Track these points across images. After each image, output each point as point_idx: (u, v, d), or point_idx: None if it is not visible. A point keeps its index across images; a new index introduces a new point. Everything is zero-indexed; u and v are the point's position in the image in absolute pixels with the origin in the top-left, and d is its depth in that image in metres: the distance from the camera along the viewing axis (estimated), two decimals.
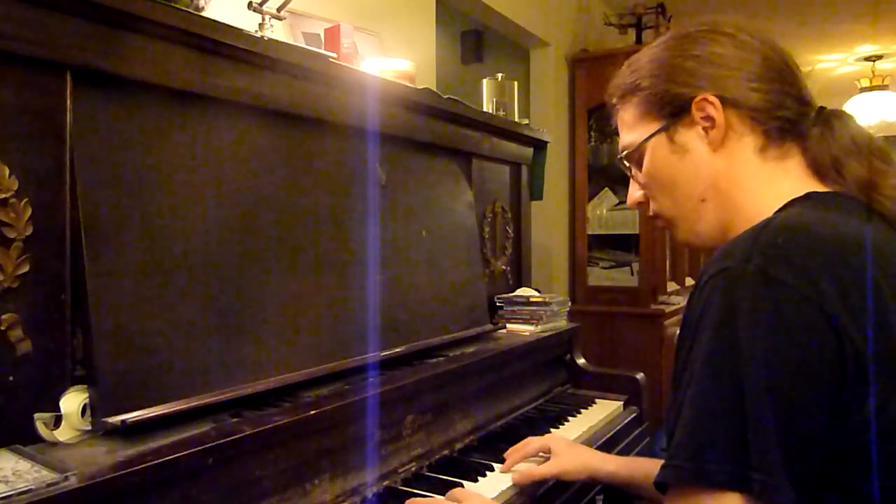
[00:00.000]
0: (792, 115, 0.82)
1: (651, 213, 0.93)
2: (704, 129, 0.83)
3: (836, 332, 0.62)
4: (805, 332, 0.62)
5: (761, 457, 0.62)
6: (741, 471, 0.62)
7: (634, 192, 0.95)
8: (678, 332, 0.73)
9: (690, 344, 0.69)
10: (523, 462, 1.25)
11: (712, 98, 0.82)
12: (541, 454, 1.26)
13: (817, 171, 0.82)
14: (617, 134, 0.97)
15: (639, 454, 1.75)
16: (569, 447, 1.25)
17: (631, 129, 0.91)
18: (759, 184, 0.82)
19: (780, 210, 0.77)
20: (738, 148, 0.83)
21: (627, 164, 0.93)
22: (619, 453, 1.62)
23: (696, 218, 0.87)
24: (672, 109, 0.86)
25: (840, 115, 0.84)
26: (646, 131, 0.88)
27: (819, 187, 0.80)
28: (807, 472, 0.64)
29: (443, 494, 1.12)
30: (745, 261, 0.66)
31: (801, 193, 0.78)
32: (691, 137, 0.85)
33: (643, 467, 1.15)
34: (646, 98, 0.88)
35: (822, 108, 0.85)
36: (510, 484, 1.19)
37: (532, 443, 1.27)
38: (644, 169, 0.90)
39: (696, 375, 0.67)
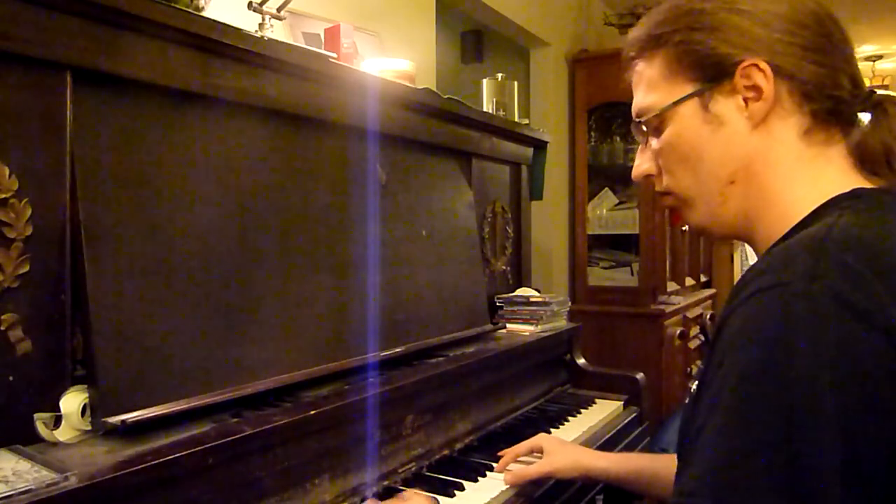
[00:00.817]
0: (846, 96, 0.72)
1: (661, 189, 0.82)
2: (746, 99, 0.72)
3: None
4: (876, 365, 0.54)
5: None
6: None
7: (644, 163, 0.83)
8: (710, 344, 0.65)
9: (721, 359, 0.59)
10: (515, 463, 1.25)
11: (763, 65, 0.70)
12: (534, 454, 1.26)
13: (862, 161, 0.73)
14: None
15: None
16: (560, 445, 1.25)
17: (654, 88, 0.78)
18: (798, 172, 0.72)
19: (823, 208, 0.68)
20: (780, 127, 0.72)
21: (644, 130, 0.81)
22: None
23: (720, 201, 0.76)
24: (711, 72, 0.74)
25: None
26: (675, 93, 0.76)
27: (862, 181, 0.71)
28: None
29: (443, 494, 1.12)
30: (810, 277, 0.56)
31: (846, 189, 0.69)
32: (729, 108, 0.73)
33: (635, 464, 1.15)
34: (679, 54, 0.76)
35: (872, 91, 0.75)
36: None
37: (522, 444, 1.27)
38: (665, 137, 0.78)
39: (733, 398, 0.57)
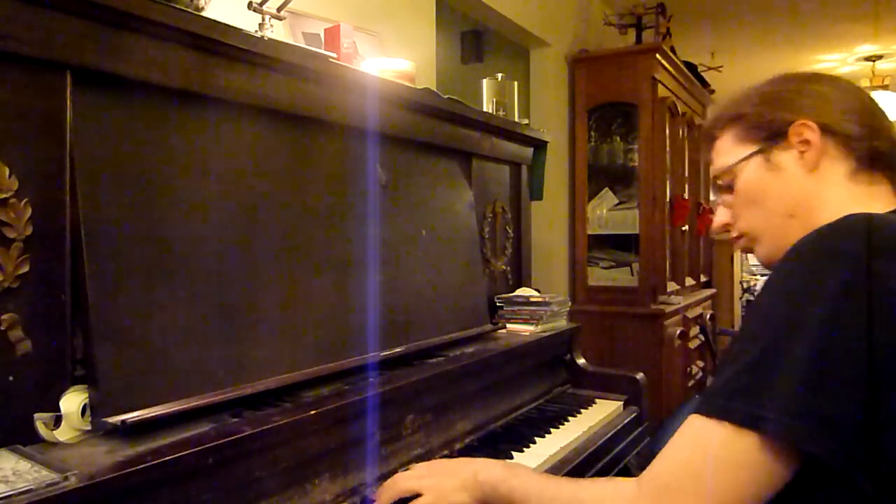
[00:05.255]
0: (884, 148, 0.88)
1: (735, 234, 0.98)
2: (800, 152, 0.89)
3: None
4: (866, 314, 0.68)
5: (780, 396, 0.69)
6: (759, 412, 0.69)
7: (721, 216, 1.00)
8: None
9: (759, 297, 0.77)
10: None
11: (811, 122, 0.88)
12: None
13: None
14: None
15: (639, 454, 1.76)
16: None
17: (727, 153, 0.96)
18: (847, 205, 0.84)
19: None
20: (830, 170, 0.88)
21: (720, 185, 0.98)
22: (619, 453, 1.62)
23: (782, 234, 0.90)
24: (770, 133, 0.91)
25: None
26: (742, 153, 0.94)
27: None
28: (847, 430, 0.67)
29: None
30: (821, 237, 0.75)
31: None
32: (786, 158, 0.90)
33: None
34: (746, 124, 0.94)
35: None
36: None
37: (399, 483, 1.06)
38: (736, 187, 0.95)
39: (749, 330, 0.75)
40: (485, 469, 0.98)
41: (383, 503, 1.03)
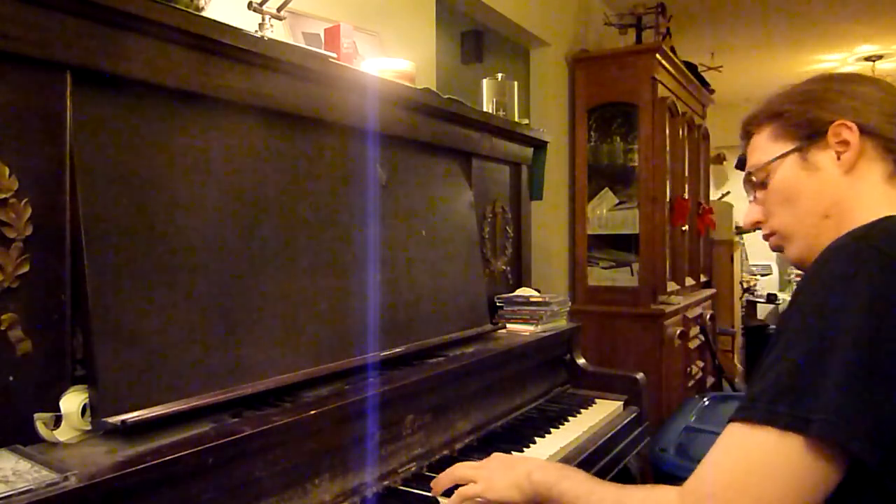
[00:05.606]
0: None
1: (766, 232, 0.98)
2: (838, 153, 0.88)
3: None
4: None
5: (825, 398, 0.68)
6: (805, 414, 0.69)
7: (753, 214, 0.99)
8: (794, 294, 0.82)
9: (795, 300, 0.77)
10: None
11: (850, 123, 0.87)
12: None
13: None
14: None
15: (638, 454, 1.76)
16: None
17: (763, 150, 0.96)
18: (882, 207, 0.84)
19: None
20: (867, 172, 0.88)
21: (753, 181, 0.97)
22: (619, 453, 1.62)
23: (815, 234, 0.90)
24: (809, 132, 0.91)
25: None
26: (779, 150, 0.93)
27: None
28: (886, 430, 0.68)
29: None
30: (860, 238, 0.76)
31: None
32: (823, 158, 0.90)
33: None
34: (784, 122, 0.94)
35: None
36: None
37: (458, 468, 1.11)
38: (770, 185, 0.94)
39: (788, 334, 0.75)
40: (539, 470, 1.00)
41: (441, 486, 1.10)
